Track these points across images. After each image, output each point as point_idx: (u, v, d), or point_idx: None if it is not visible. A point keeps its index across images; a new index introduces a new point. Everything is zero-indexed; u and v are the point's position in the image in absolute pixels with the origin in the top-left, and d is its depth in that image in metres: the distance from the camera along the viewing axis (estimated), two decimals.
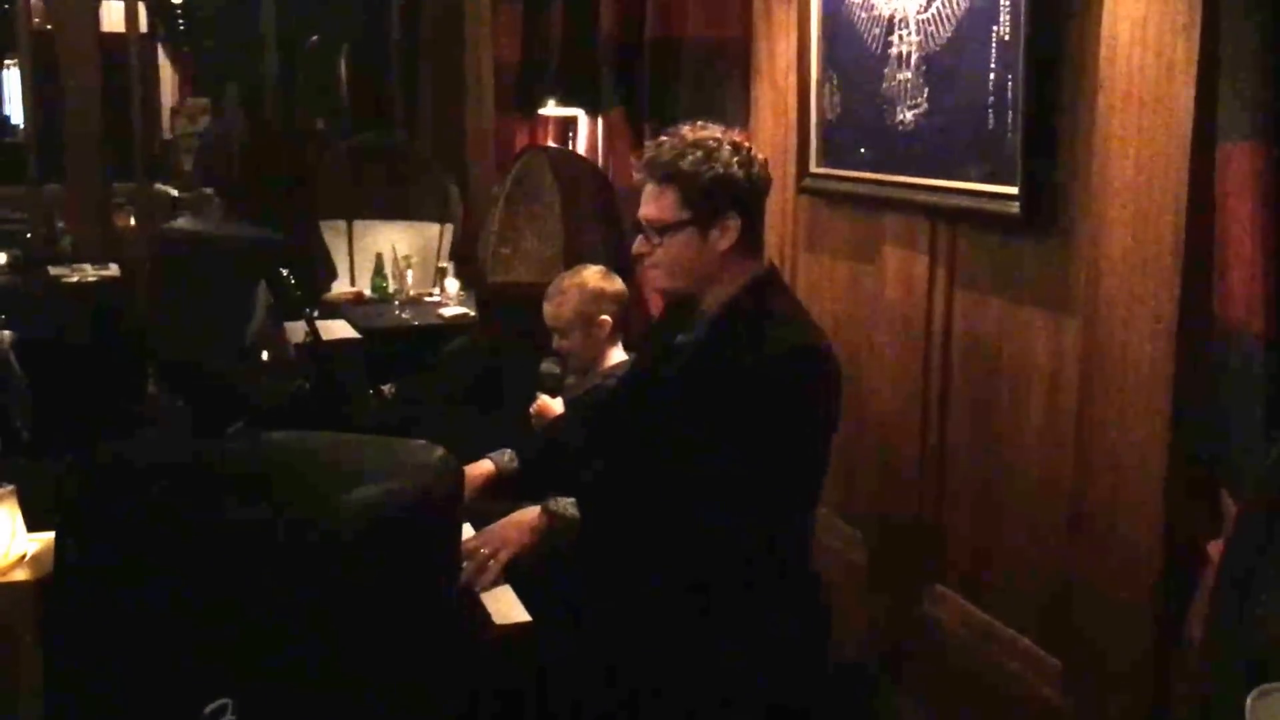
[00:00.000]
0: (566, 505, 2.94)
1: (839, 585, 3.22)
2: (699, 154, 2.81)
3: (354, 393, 4.27)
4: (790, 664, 2.83)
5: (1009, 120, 2.99)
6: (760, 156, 2.93)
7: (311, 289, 6.26)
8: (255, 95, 9.24)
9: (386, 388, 4.76)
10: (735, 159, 2.82)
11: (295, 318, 4.28)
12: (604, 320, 3.76)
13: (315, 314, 4.42)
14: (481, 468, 3.21)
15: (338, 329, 5.20)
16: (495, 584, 2.82)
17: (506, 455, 3.26)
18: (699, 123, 2.93)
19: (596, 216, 5.01)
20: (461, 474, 2.51)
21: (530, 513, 2.97)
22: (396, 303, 6.19)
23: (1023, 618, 3.12)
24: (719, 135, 2.87)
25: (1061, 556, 2.92)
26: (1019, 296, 3.08)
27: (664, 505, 2.76)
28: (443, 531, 2.19)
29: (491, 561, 2.86)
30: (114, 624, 2.08)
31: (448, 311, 6.00)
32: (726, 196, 2.81)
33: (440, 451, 2.21)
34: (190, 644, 2.02)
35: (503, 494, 3.18)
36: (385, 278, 6.43)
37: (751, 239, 2.89)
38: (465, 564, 2.84)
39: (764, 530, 2.74)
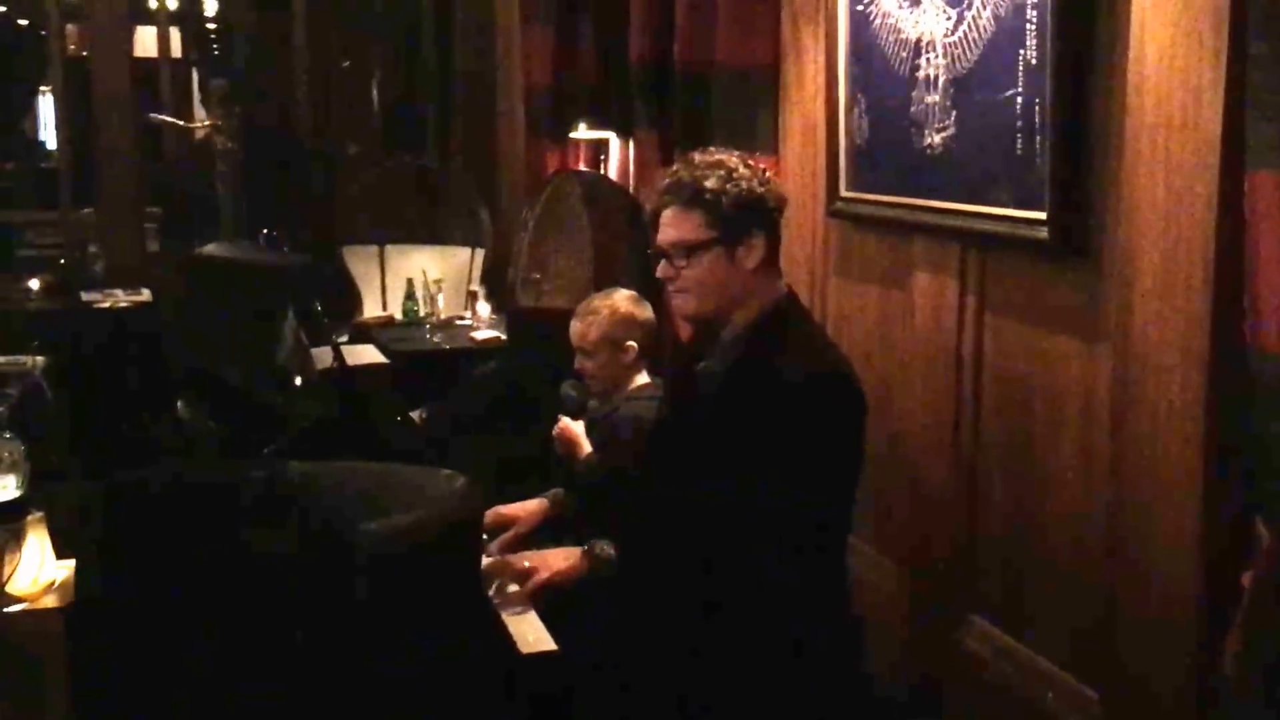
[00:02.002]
0: (605, 548, 2.96)
1: (873, 616, 3.19)
2: (721, 173, 2.85)
3: (381, 419, 4.26)
4: (828, 692, 2.82)
5: (1037, 144, 2.96)
6: (774, 176, 2.96)
7: (341, 314, 6.27)
8: (286, 119, 9.25)
9: (417, 413, 4.74)
10: (755, 178, 2.86)
11: (324, 343, 4.30)
12: (630, 346, 3.73)
13: (341, 340, 4.42)
14: (530, 507, 3.26)
15: (366, 354, 5.20)
16: (525, 609, 2.84)
17: (559, 495, 3.30)
18: (710, 149, 2.96)
19: (627, 240, 4.99)
20: (481, 502, 2.51)
21: (574, 551, 2.99)
22: (427, 327, 6.19)
23: (1059, 648, 3.08)
24: (735, 158, 2.91)
25: (1098, 586, 2.88)
26: (1050, 323, 3.05)
27: (693, 536, 2.76)
28: (462, 560, 2.18)
29: (530, 581, 2.89)
30: (136, 649, 2.07)
31: (479, 335, 5.99)
32: (751, 214, 2.85)
33: (461, 480, 2.21)
34: (210, 670, 2.01)
35: (557, 531, 3.21)
36: (416, 302, 6.43)
37: (774, 259, 2.92)
38: (504, 578, 2.92)
39: (791, 559, 2.72)
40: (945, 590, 3.49)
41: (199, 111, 13.52)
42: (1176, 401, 2.57)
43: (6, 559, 2.85)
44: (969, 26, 3.20)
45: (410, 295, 6.45)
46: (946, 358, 3.42)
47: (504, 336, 5.85)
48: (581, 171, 5.81)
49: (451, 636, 2.15)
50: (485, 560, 3.03)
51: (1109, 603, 2.82)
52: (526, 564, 2.95)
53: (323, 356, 4.30)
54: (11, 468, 3.56)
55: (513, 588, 2.96)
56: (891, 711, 3.49)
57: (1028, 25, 2.97)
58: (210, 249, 4.92)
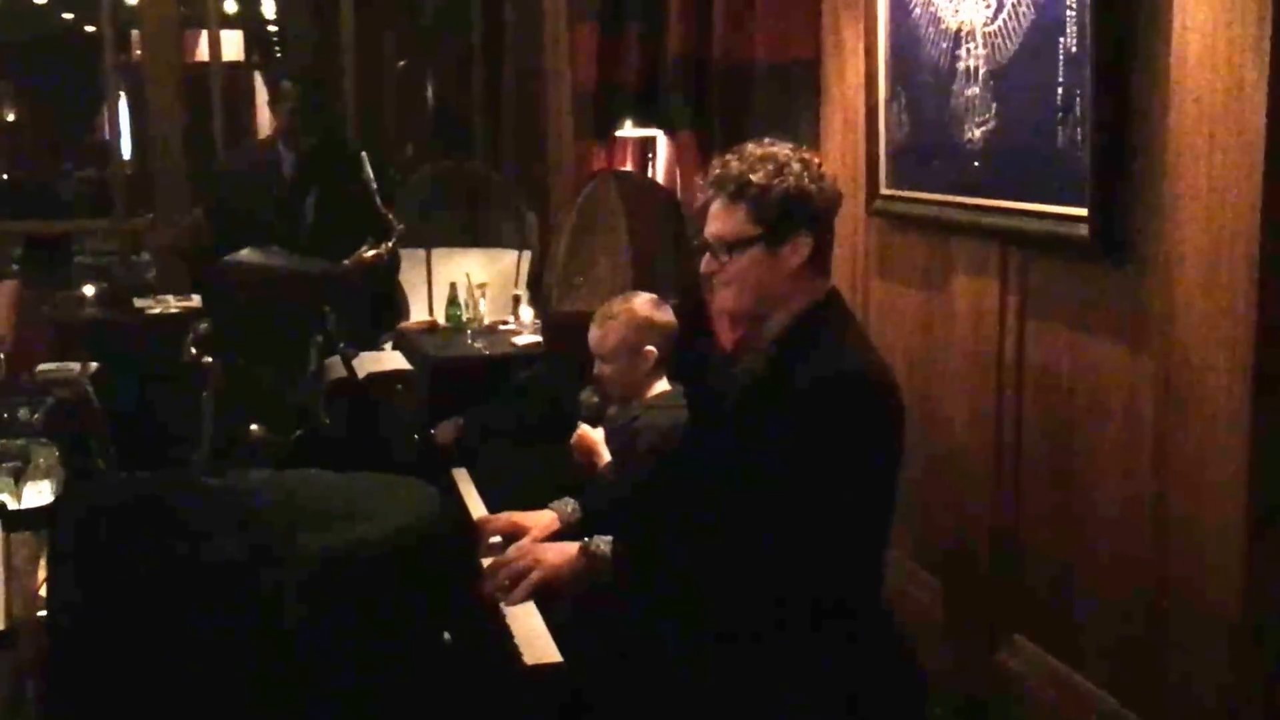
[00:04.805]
0: (602, 546, 2.85)
1: (914, 633, 3.07)
2: (770, 168, 2.73)
3: (390, 429, 4.17)
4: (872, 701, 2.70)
5: (1078, 137, 2.82)
6: (829, 173, 2.83)
7: (371, 321, 6.17)
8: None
9: (453, 421, 4.64)
10: (806, 174, 2.74)
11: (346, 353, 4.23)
12: (649, 351, 3.63)
13: (346, 347, 4.35)
14: (544, 518, 3.17)
15: (388, 361, 5.11)
16: (527, 608, 2.78)
17: (570, 506, 3.21)
18: (766, 139, 2.84)
19: (666, 241, 4.88)
20: (449, 513, 2.42)
21: (572, 547, 2.89)
22: (469, 332, 6.08)
23: (1102, 669, 2.94)
24: (788, 151, 2.79)
25: (1141, 601, 2.75)
26: (1092, 325, 2.91)
27: (719, 545, 2.65)
28: (420, 573, 2.07)
29: (526, 582, 2.82)
30: (85, 664, 1.99)
31: (521, 340, 5.87)
32: (798, 212, 2.73)
33: (429, 493, 2.12)
34: (156, 687, 1.93)
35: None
36: (460, 306, 6.32)
37: (821, 259, 2.80)
38: (499, 573, 2.84)
39: (822, 569, 2.60)
40: (986, 606, 3.36)
41: (260, 116, 13.60)
42: (1220, 403, 2.45)
43: (42, 564, 2.80)
44: (1009, 14, 3.07)
45: (453, 300, 6.33)
46: (987, 361, 3.29)
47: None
48: (620, 172, 5.69)
49: (412, 651, 2.06)
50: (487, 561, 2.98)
51: (1152, 620, 2.70)
52: (522, 563, 2.85)
53: (337, 367, 4.23)
54: (47, 473, 3.54)
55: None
56: None
57: (1068, 12, 2.83)
58: (243, 254, 4.83)
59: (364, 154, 5.79)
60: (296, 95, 5.92)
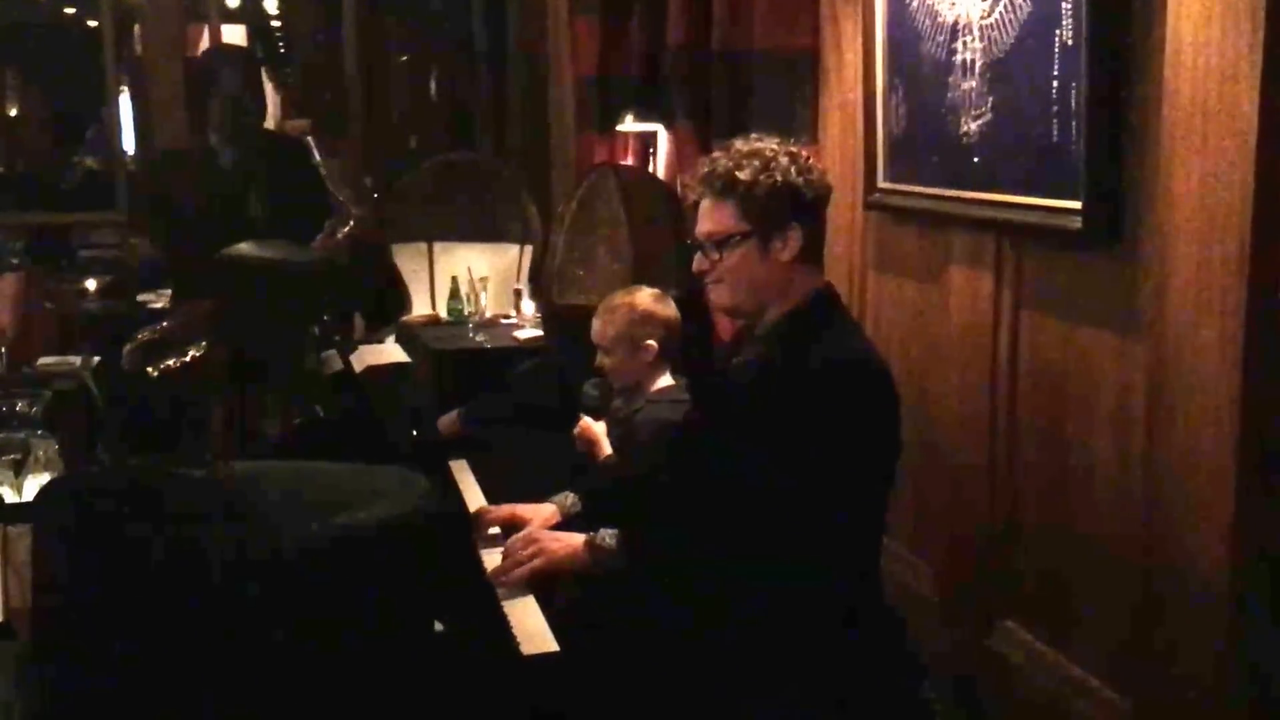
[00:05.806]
0: (607, 539, 2.87)
1: (908, 619, 3.09)
2: (756, 164, 2.75)
3: (388, 420, 4.18)
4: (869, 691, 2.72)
5: (1073, 129, 2.83)
6: (818, 165, 2.85)
7: (374, 314, 6.17)
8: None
9: (455, 413, 4.64)
10: (793, 167, 2.76)
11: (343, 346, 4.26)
12: (649, 344, 3.63)
13: (340, 339, 4.37)
14: (544, 512, 3.20)
15: (386, 354, 5.11)
16: (520, 592, 2.83)
17: (570, 499, 3.23)
18: (753, 135, 2.85)
19: (666, 235, 4.88)
20: (438, 502, 2.43)
21: (577, 539, 2.92)
22: (470, 325, 6.07)
23: (1093, 655, 2.96)
24: (774, 146, 2.80)
25: (1134, 588, 2.76)
26: (1085, 316, 2.93)
27: (718, 530, 2.68)
28: (408, 561, 2.08)
29: (526, 565, 2.86)
30: (72, 654, 2.01)
31: (522, 334, 5.87)
32: (787, 206, 2.74)
33: (418, 482, 2.13)
34: (143, 675, 1.94)
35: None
36: (461, 300, 6.31)
37: (813, 251, 2.82)
38: (503, 558, 2.90)
39: (830, 553, 2.64)
40: (980, 592, 3.38)
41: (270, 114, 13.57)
42: (1210, 392, 2.45)
43: None
44: (1005, 7, 3.08)
45: (455, 294, 6.33)
46: (982, 352, 3.30)
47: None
48: (619, 165, 5.69)
49: (402, 640, 2.07)
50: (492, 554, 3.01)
51: (1144, 606, 2.71)
52: (527, 550, 2.88)
53: (334, 360, 4.26)
54: (47, 466, 3.55)
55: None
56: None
57: (1063, 5, 2.85)
58: (242, 247, 4.82)
59: (309, 139, 5.60)
60: (236, 83, 5.35)
